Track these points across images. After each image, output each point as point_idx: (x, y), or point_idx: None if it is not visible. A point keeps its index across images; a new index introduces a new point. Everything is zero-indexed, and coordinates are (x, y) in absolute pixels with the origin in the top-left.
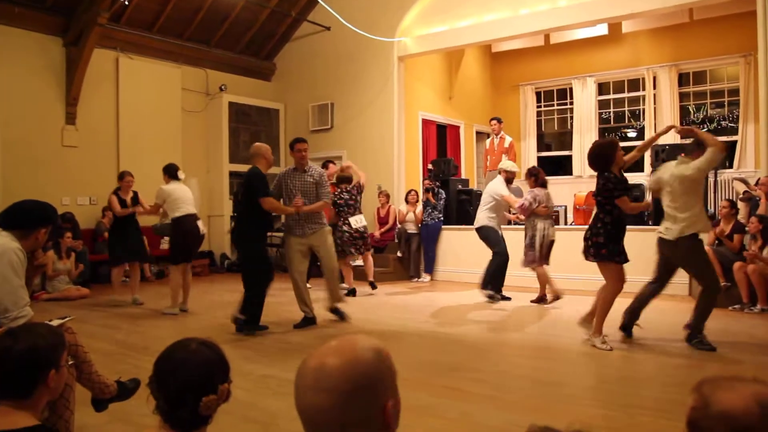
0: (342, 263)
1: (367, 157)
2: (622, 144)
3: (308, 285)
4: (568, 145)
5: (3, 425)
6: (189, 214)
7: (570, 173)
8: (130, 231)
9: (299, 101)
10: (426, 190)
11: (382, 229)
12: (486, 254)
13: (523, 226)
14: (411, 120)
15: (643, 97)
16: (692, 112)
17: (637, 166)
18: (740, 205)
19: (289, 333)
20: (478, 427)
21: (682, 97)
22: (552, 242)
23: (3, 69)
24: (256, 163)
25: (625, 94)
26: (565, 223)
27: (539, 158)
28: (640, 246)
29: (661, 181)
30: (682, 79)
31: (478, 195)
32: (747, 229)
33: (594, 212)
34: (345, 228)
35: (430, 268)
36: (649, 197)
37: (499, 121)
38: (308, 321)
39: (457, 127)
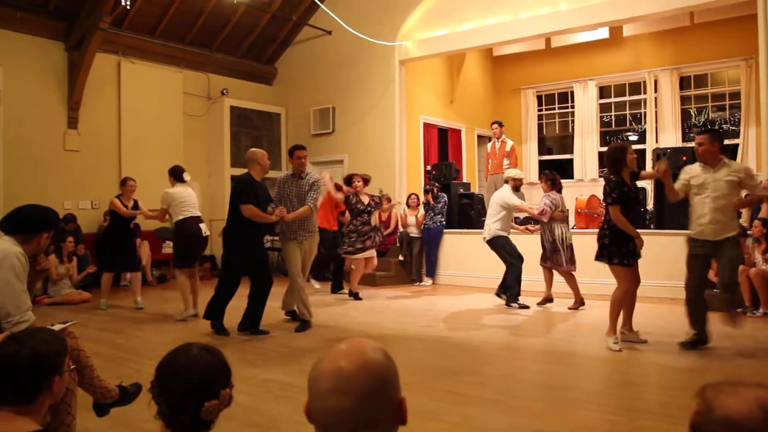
0: (358, 264)
1: (369, 160)
2: None
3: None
4: (570, 149)
5: (6, 431)
6: (192, 217)
7: (571, 177)
8: (122, 239)
9: (301, 105)
10: (425, 192)
11: (384, 233)
12: (488, 259)
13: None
14: (412, 124)
15: (645, 100)
16: (693, 115)
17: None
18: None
19: (290, 337)
20: (479, 430)
21: (684, 100)
22: (571, 245)
23: (5, 73)
24: (250, 168)
25: (627, 98)
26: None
27: (540, 162)
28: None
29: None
30: (684, 83)
31: (479, 199)
32: (750, 232)
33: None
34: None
35: (431, 272)
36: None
37: (500, 124)
38: (306, 324)
39: (459, 131)
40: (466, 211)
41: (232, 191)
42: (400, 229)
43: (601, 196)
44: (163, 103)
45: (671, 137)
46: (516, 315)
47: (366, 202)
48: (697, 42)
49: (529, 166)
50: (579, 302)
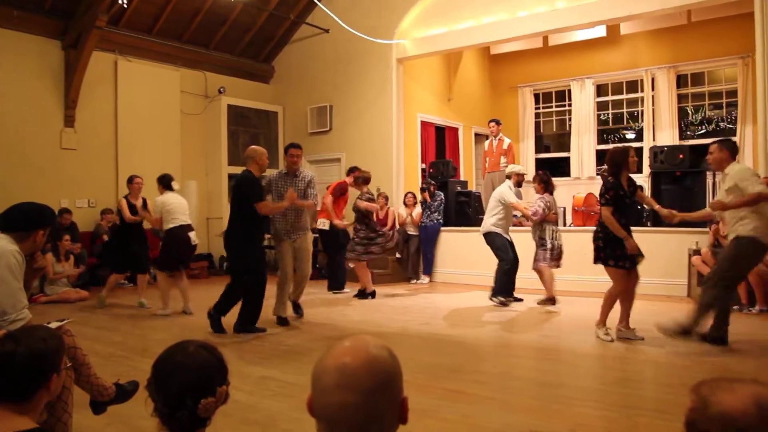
0: (360, 265)
1: (366, 159)
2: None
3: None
4: (567, 147)
5: (3, 429)
6: (182, 225)
7: (568, 175)
8: (133, 240)
9: (298, 104)
10: (422, 190)
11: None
12: (486, 256)
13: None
14: (410, 122)
15: (642, 98)
16: (691, 113)
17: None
18: None
19: (287, 335)
20: (478, 428)
21: (681, 98)
22: (561, 245)
23: (2, 72)
24: (249, 166)
25: (624, 96)
26: (564, 225)
27: (537, 160)
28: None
29: None
30: (681, 81)
31: (477, 197)
32: None
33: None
34: (356, 236)
35: (429, 270)
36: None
37: (498, 122)
38: (283, 321)
39: (456, 129)
40: (464, 209)
41: (236, 191)
42: (397, 226)
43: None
44: (160, 101)
45: (668, 135)
46: (512, 312)
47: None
48: (694, 40)
49: (527, 164)
50: (549, 299)
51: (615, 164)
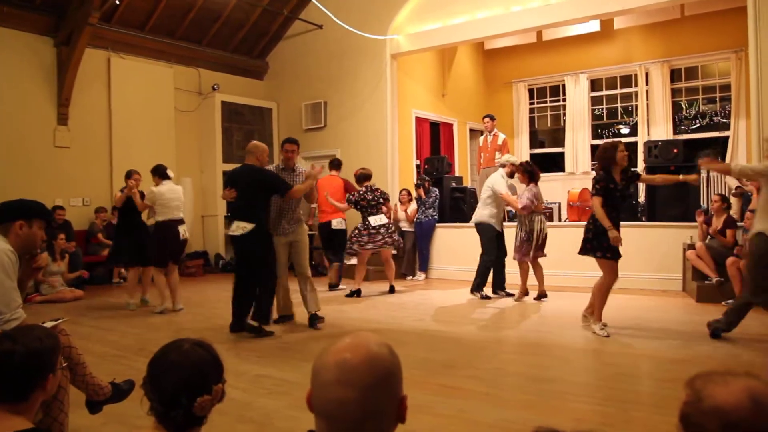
0: (361, 259)
1: (361, 155)
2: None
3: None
4: (561, 142)
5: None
6: (173, 219)
7: (563, 170)
8: (136, 232)
9: (292, 100)
10: (417, 186)
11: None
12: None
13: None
14: (404, 118)
15: (636, 93)
16: (684, 107)
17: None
18: (732, 200)
19: (283, 333)
20: (473, 424)
21: (675, 93)
22: (546, 235)
23: None
24: (247, 160)
25: (618, 91)
26: (559, 220)
27: (532, 155)
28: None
29: None
30: (674, 75)
31: (472, 192)
32: (743, 224)
33: None
34: (361, 226)
35: (424, 266)
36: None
37: (492, 118)
38: (288, 318)
39: (451, 125)
40: (459, 205)
41: (259, 185)
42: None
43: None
44: (154, 98)
45: (662, 130)
46: (507, 308)
47: (369, 198)
48: (687, 34)
49: (521, 160)
50: (523, 293)
51: (604, 159)
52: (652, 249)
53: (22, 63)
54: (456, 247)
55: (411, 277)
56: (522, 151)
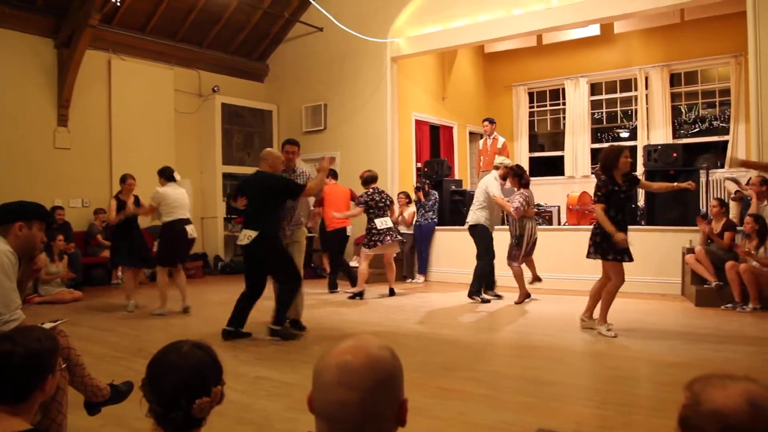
0: (367, 258)
1: (361, 158)
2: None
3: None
4: (561, 146)
5: None
6: (180, 219)
7: (562, 173)
8: (134, 235)
9: (292, 102)
10: (417, 189)
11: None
12: None
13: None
14: (404, 121)
15: (636, 97)
16: (684, 112)
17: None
18: (732, 204)
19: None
20: (473, 426)
21: (674, 97)
22: (536, 240)
23: None
24: (261, 166)
25: (618, 95)
26: (559, 224)
27: (531, 158)
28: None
29: None
30: (674, 80)
31: (471, 195)
32: (743, 229)
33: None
34: (367, 228)
35: (423, 269)
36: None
37: (491, 121)
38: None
39: (451, 128)
40: (458, 208)
41: (276, 191)
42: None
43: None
44: (154, 100)
45: (662, 134)
46: (506, 311)
47: (377, 200)
48: (687, 39)
49: (521, 163)
50: (525, 295)
51: (606, 162)
52: (651, 253)
53: (23, 64)
54: (455, 250)
55: (410, 280)
56: (521, 155)
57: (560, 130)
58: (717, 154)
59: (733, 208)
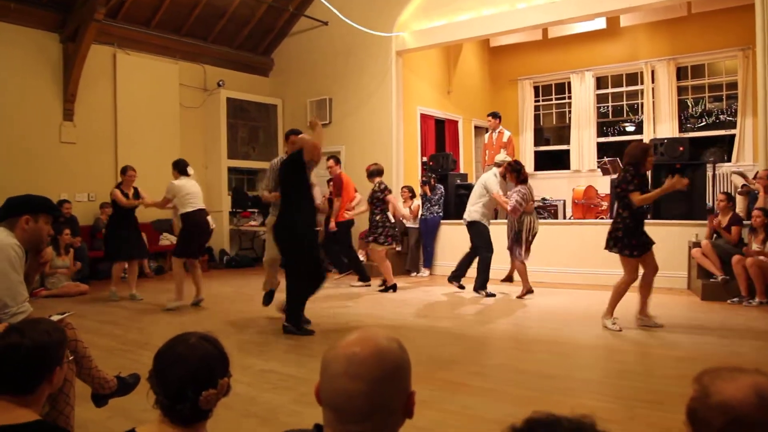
0: (380, 259)
1: (366, 152)
2: (620, 138)
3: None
4: (566, 140)
5: (5, 420)
6: (199, 209)
7: (568, 167)
8: (128, 227)
9: (297, 96)
10: (422, 183)
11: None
12: None
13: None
14: (409, 115)
15: (642, 91)
16: (690, 106)
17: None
18: (738, 198)
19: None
20: (478, 419)
21: (681, 90)
22: (536, 233)
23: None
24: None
25: (624, 88)
26: (564, 218)
27: (537, 152)
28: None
29: None
30: (681, 73)
31: None
32: (751, 222)
33: (615, 205)
34: (381, 221)
35: (429, 263)
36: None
37: (495, 116)
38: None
39: (456, 122)
40: (464, 202)
41: (282, 174)
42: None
43: (597, 187)
44: (159, 94)
45: (668, 128)
46: (511, 305)
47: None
48: (694, 32)
49: (526, 157)
50: (528, 290)
51: (634, 157)
52: (657, 247)
53: (28, 59)
54: (460, 244)
55: (415, 274)
56: (526, 149)
57: (566, 124)
58: (723, 148)
59: (740, 202)
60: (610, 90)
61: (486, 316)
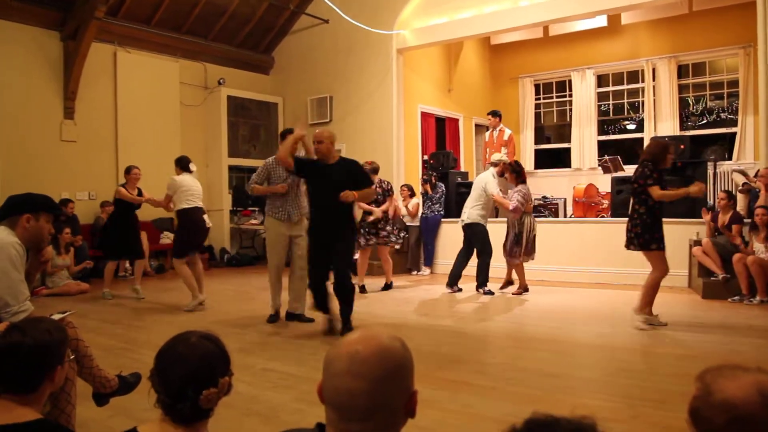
0: (387, 257)
1: (366, 150)
2: (621, 136)
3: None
4: (567, 138)
5: (7, 419)
6: (195, 207)
7: (569, 166)
8: (127, 227)
9: (298, 95)
10: (423, 181)
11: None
12: None
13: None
14: (410, 113)
15: (643, 89)
16: (691, 104)
17: (637, 159)
18: (739, 196)
19: (289, 327)
20: (479, 418)
21: (682, 88)
22: (534, 236)
23: (0, 64)
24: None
25: (625, 86)
26: (565, 216)
27: (537, 151)
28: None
29: None
30: (682, 71)
31: None
32: (753, 220)
33: (631, 203)
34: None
35: (429, 261)
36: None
37: (495, 114)
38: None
39: (456, 120)
40: (464, 200)
41: (356, 175)
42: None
43: (598, 185)
44: (160, 93)
45: (669, 126)
46: (514, 304)
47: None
48: (695, 30)
49: (527, 155)
50: (523, 288)
51: (655, 155)
52: None
53: (29, 57)
54: (461, 243)
55: (416, 272)
56: (527, 147)
57: (566, 122)
58: (724, 146)
59: (741, 200)
60: (611, 88)
61: (486, 315)
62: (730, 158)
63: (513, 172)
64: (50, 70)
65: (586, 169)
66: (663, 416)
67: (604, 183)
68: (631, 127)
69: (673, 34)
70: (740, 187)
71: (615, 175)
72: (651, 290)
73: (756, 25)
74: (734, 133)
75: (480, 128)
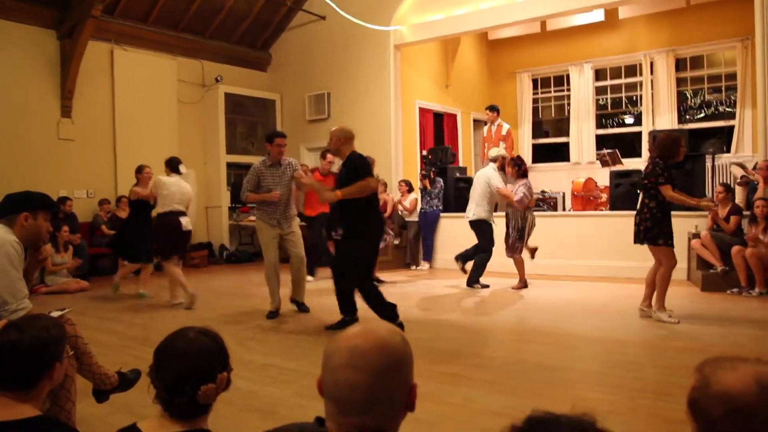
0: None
1: (364, 146)
2: (619, 130)
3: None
4: (566, 132)
5: (6, 416)
6: (173, 212)
7: (567, 160)
8: (144, 229)
9: (295, 91)
10: (422, 177)
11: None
12: None
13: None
14: (408, 109)
15: (641, 82)
16: (689, 97)
17: (635, 152)
18: (738, 189)
19: (288, 323)
20: (479, 412)
21: (680, 82)
22: (533, 228)
23: None
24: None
25: (623, 80)
26: (563, 210)
27: (535, 145)
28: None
29: None
30: (680, 65)
31: None
32: (752, 212)
33: (640, 197)
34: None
35: (428, 256)
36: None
37: (493, 109)
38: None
39: (454, 115)
40: (463, 195)
41: (351, 170)
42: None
43: (597, 179)
44: (157, 90)
45: (667, 120)
46: (512, 298)
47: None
48: (692, 23)
49: (525, 150)
50: (523, 283)
51: (667, 149)
52: None
53: (26, 56)
54: (460, 238)
55: (415, 267)
56: (525, 141)
57: (565, 117)
58: (723, 139)
59: (739, 193)
60: (608, 82)
61: (486, 309)
62: (728, 151)
63: (515, 167)
64: (47, 68)
65: (585, 163)
66: (662, 408)
67: (602, 177)
68: (630, 120)
69: (670, 28)
70: (738, 180)
71: (613, 168)
72: (664, 285)
73: (754, 18)
74: (732, 126)
75: (478, 123)
